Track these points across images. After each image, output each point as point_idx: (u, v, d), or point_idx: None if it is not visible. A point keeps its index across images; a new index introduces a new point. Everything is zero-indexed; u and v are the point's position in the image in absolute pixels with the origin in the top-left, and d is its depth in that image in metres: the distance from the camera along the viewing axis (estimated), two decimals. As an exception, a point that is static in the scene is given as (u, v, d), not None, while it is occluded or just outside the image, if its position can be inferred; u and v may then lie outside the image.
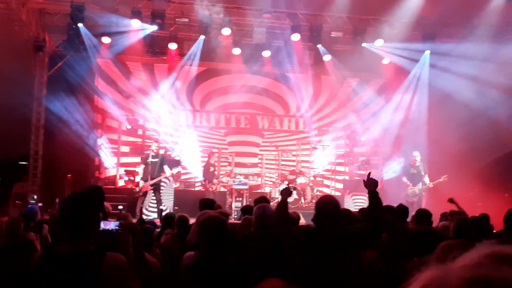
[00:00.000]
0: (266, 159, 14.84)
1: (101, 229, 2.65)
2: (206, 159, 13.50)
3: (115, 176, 13.96)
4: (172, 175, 11.99)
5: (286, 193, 4.18)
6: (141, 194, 11.30)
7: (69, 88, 13.59)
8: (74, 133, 13.23)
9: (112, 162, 13.95)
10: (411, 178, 11.67)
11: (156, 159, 11.38)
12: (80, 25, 12.75)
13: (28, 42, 13.35)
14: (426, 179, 11.50)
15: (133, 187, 11.81)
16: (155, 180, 11.27)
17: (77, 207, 2.43)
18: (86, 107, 13.78)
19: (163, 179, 11.71)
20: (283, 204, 4.10)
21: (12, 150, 14.41)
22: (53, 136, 13.38)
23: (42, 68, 14.01)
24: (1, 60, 11.68)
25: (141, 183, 11.28)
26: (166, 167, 11.39)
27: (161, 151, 13.59)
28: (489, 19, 11.96)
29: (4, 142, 13.17)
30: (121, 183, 13.78)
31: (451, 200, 7.05)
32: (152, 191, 11.35)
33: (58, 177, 12.75)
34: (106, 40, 13.36)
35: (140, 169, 11.62)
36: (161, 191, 11.66)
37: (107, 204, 6.59)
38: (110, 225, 3.12)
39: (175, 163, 12.28)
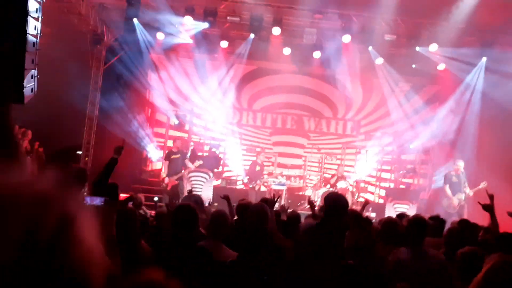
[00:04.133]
0: (309, 161, 14.69)
1: (87, 204, 2.73)
2: (249, 157, 13.54)
3: (161, 169, 14.26)
4: (213, 173, 12.42)
5: None
6: (168, 188, 11.76)
7: (123, 81, 14.02)
8: (124, 125, 13.62)
9: (158, 155, 14.27)
10: (452, 187, 11.16)
11: (178, 155, 11.94)
12: (135, 20, 13.11)
13: (86, 35, 13.89)
14: (467, 189, 11.01)
15: (161, 182, 12.23)
16: (179, 175, 11.83)
17: None
18: (137, 100, 14.17)
19: (203, 175, 12.10)
20: None
21: (66, 139, 15.04)
22: (104, 127, 13.85)
23: (99, 60, 14.52)
24: (60, 52, 12.23)
25: (166, 179, 11.77)
26: (188, 162, 12.10)
27: (203, 146, 13.83)
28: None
29: (59, 132, 13.78)
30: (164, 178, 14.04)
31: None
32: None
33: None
34: (160, 36, 13.63)
35: (164, 165, 12.20)
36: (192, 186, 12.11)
37: (140, 195, 6.81)
38: (96, 200, 3.24)
39: (197, 157, 12.59)
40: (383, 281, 3.46)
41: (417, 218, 4.28)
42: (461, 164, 11.19)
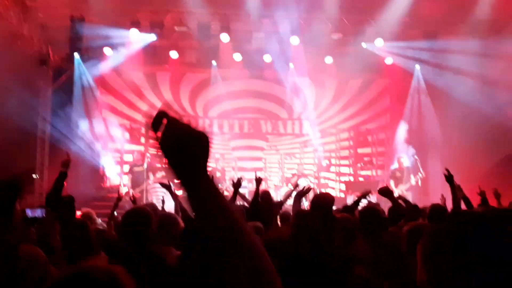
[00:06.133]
0: (269, 163, 14.86)
1: (29, 216, 2.74)
2: (209, 164, 13.58)
3: (119, 185, 14.06)
4: (174, 183, 12.27)
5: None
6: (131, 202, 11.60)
7: (73, 100, 13.77)
8: (78, 144, 13.37)
9: (116, 171, 14.08)
10: (397, 181, 11.94)
11: (141, 168, 12.02)
12: (81, 38, 12.88)
13: (31, 56, 13.53)
14: (412, 179, 11.66)
15: (123, 196, 12.07)
16: (141, 188, 11.89)
17: None
18: (90, 117, 13.93)
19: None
20: None
21: (19, 163, 14.56)
22: (57, 148, 13.51)
23: (46, 81, 14.20)
24: (4, 76, 11.85)
25: (131, 192, 11.65)
26: (150, 174, 12.15)
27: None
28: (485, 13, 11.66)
29: (10, 156, 13.32)
30: (124, 191, 13.82)
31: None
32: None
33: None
34: (108, 51, 13.49)
35: (127, 179, 12.27)
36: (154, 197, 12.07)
37: (90, 210, 6.60)
38: (37, 212, 3.24)
39: (156, 169, 12.57)
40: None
41: (369, 208, 4.30)
42: (404, 160, 12.07)
